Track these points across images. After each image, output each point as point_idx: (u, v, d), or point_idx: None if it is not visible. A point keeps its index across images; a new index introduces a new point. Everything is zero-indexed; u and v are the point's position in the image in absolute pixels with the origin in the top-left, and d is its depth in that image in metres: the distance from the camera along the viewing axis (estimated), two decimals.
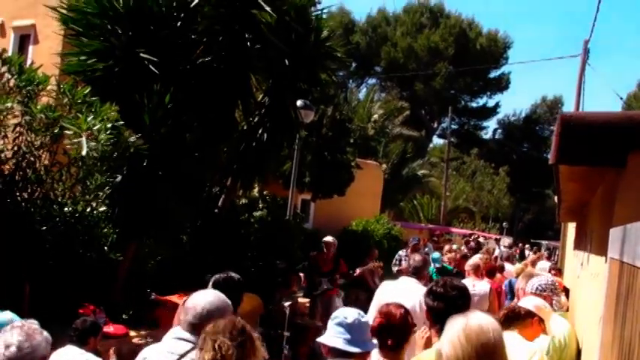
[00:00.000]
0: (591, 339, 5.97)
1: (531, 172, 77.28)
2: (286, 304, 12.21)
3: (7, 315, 6.11)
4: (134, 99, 11.90)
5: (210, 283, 6.25)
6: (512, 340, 6.16)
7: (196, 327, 4.64)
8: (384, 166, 40.38)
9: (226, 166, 17.59)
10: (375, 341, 5.08)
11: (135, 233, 12.57)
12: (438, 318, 4.59)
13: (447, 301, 4.63)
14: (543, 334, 7.24)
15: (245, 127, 17.45)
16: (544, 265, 16.85)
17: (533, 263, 18.02)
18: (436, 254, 18.15)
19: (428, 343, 5.13)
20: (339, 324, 4.79)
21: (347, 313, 4.87)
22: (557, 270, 15.97)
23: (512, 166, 77.15)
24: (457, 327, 3.52)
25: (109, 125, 10.14)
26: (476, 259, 13.42)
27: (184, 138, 12.52)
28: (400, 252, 20.52)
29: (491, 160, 77.07)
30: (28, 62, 14.76)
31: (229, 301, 5.14)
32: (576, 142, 4.35)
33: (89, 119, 9.83)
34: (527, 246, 40.66)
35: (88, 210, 11.27)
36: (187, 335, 4.67)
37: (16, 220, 10.04)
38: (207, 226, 17.09)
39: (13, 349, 4.37)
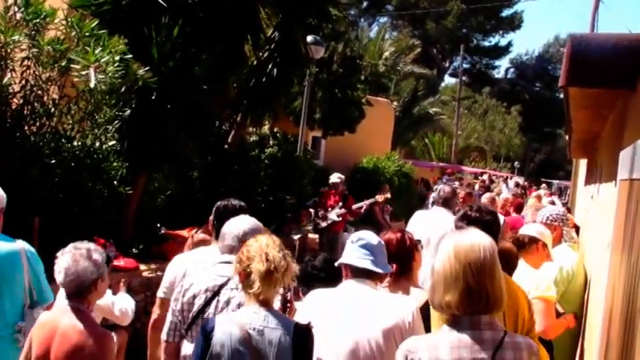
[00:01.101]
0: (600, 266, 5.96)
1: (543, 112, 77.03)
2: (296, 237, 12.25)
3: (18, 244, 6.13)
4: (142, 32, 11.79)
5: (213, 210, 6.29)
6: (519, 268, 6.17)
7: (236, 250, 4.79)
8: (395, 103, 40.18)
9: (236, 102, 17.52)
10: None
11: (144, 167, 12.57)
12: None
13: (481, 225, 4.59)
14: (547, 260, 7.27)
15: (255, 63, 17.33)
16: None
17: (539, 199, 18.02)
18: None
19: None
20: (364, 246, 4.93)
21: (370, 236, 5.02)
22: (567, 208, 15.98)
23: (524, 106, 76.87)
24: (449, 244, 3.53)
25: (117, 58, 10.06)
26: (489, 195, 13.48)
27: (193, 71, 12.41)
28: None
29: (503, 99, 76.76)
30: None
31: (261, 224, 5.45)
32: (586, 63, 4.28)
33: (97, 52, 9.75)
34: (543, 186, 40.36)
35: (97, 144, 11.22)
36: (232, 257, 4.76)
37: (25, 154, 10.03)
38: (217, 161, 17.08)
39: (61, 275, 4.69)
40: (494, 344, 3.39)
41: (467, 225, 4.77)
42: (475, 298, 3.40)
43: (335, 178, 17.13)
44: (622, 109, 5.20)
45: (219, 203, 6.34)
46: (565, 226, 8.26)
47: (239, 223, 5.37)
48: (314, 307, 4.87)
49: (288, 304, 5.01)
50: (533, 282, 6.26)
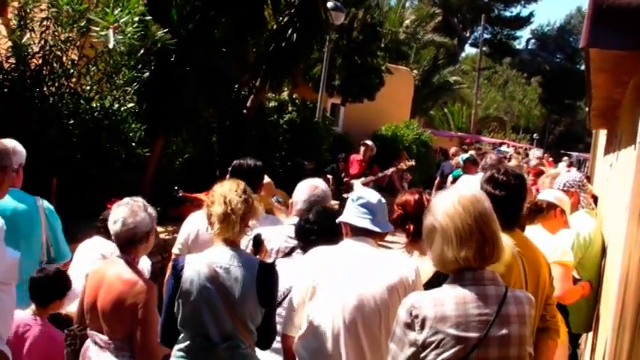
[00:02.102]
0: (617, 232, 5.93)
1: (563, 84, 76.59)
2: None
3: (37, 201, 6.17)
4: None
5: (230, 169, 6.36)
6: (536, 234, 6.16)
7: (305, 212, 5.34)
8: (415, 72, 40.04)
9: (255, 67, 17.46)
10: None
11: (162, 130, 12.58)
12: (497, 207, 4.56)
13: (509, 189, 4.59)
14: (564, 227, 7.25)
15: (274, 27, 17.26)
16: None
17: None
18: (465, 155, 18.06)
19: None
20: (363, 205, 4.97)
21: (370, 195, 5.07)
22: (586, 177, 15.89)
23: (544, 77, 76.42)
24: (451, 198, 3.55)
25: (136, 19, 10.02)
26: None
27: (212, 34, 12.39)
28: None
29: (523, 70, 76.35)
30: None
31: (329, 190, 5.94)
32: (608, 24, 4.22)
33: (116, 12, 9.72)
34: (565, 159, 40.02)
35: (116, 106, 11.24)
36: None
37: (43, 114, 10.05)
38: (236, 126, 17.09)
39: (118, 224, 4.91)
40: (499, 299, 3.43)
41: (493, 188, 4.74)
42: (489, 248, 3.47)
43: (369, 141, 17.10)
44: None
45: (235, 162, 6.43)
46: (582, 193, 8.24)
47: (308, 187, 5.94)
48: (314, 264, 4.89)
49: (260, 245, 5.12)
50: (550, 247, 6.23)
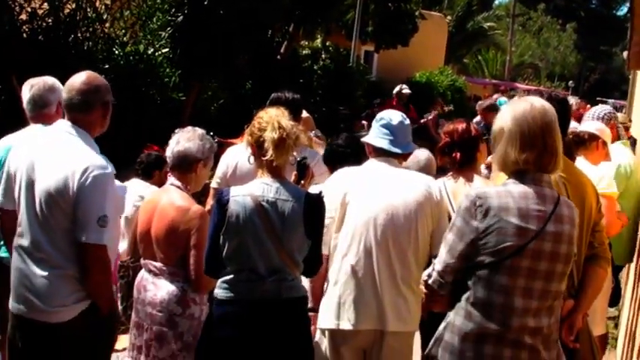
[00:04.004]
0: None
1: (599, 30, 75.57)
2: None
3: None
4: None
5: (267, 102, 6.28)
6: (579, 165, 6.04)
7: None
8: (449, 18, 39.72)
9: (289, 12, 17.34)
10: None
11: (197, 75, 12.53)
12: None
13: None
14: (606, 159, 7.13)
15: None
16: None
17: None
18: (503, 99, 17.89)
19: None
20: (385, 126, 5.01)
21: (392, 115, 5.10)
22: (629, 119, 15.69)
23: (579, 24, 75.38)
24: (524, 106, 3.67)
25: None
26: None
27: None
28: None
29: (558, 16, 75.31)
30: None
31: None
32: None
33: None
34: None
35: (151, 51, 11.19)
36: None
37: (78, 59, 10.01)
38: (269, 71, 17.01)
39: (172, 144, 4.93)
40: (554, 200, 3.64)
41: None
42: (548, 156, 3.63)
43: (403, 87, 16.97)
44: None
45: (274, 94, 6.34)
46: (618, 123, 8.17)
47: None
48: (342, 183, 4.96)
49: (306, 169, 5.00)
50: (594, 178, 6.09)
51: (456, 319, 3.67)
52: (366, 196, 4.80)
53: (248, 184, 4.43)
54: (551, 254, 3.59)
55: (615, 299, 8.49)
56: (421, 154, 6.22)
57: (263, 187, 4.31)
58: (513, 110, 3.70)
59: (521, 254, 3.54)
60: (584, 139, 7.00)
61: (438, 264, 3.73)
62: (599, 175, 6.42)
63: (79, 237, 4.14)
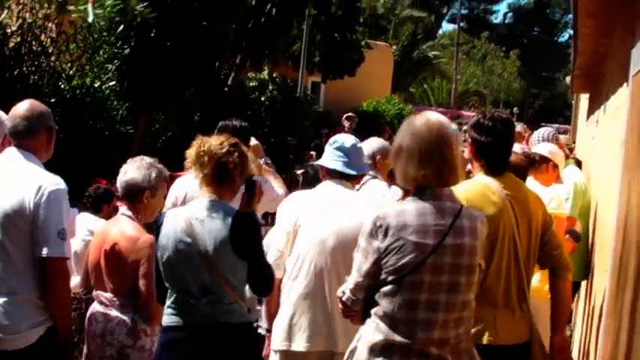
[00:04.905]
0: (611, 177, 5.92)
1: (542, 57, 76.77)
2: (299, 172, 12.26)
3: None
4: None
5: (215, 130, 6.31)
6: (528, 185, 6.11)
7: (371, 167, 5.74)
8: (395, 47, 40.02)
9: (235, 44, 17.40)
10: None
11: (145, 107, 12.50)
12: (484, 152, 4.66)
13: (495, 134, 4.58)
14: (557, 182, 7.25)
15: (253, 3, 17.20)
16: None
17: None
18: (453, 126, 18.09)
19: None
20: (338, 148, 5.14)
21: (345, 138, 5.26)
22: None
23: (522, 50, 76.40)
24: (420, 122, 3.82)
25: None
26: None
27: (192, 7, 12.32)
28: None
29: (501, 44, 76.27)
30: None
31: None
32: None
33: None
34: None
35: (98, 84, 11.14)
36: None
37: (24, 93, 9.93)
38: (217, 103, 17.02)
39: (121, 174, 5.07)
40: (454, 213, 3.76)
41: (479, 135, 4.70)
42: (447, 170, 3.77)
43: (350, 113, 17.22)
44: (632, 16, 5.11)
45: (221, 123, 6.43)
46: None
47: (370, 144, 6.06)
48: (293, 207, 5.08)
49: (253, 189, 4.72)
50: (545, 198, 6.20)
51: (367, 331, 3.80)
52: (317, 219, 4.88)
53: (185, 206, 4.52)
54: (451, 267, 3.72)
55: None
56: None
57: (196, 206, 4.34)
58: (410, 127, 3.83)
59: (420, 269, 3.67)
60: (535, 161, 7.10)
61: (349, 282, 3.86)
62: (550, 195, 6.54)
63: (40, 252, 4.19)
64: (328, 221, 4.86)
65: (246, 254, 4.26)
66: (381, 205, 4.82)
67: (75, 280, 5.98)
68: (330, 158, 5.13)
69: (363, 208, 4.85)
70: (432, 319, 3.70)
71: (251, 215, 4.40)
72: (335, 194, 5.04)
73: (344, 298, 3.89)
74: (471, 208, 3.96)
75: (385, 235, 3.69)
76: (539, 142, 8.13)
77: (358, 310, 3.88)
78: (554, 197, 6.56)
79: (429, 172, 3.72)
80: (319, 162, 5.28)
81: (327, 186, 5.14)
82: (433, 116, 3.88)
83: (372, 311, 3.79)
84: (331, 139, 5.31)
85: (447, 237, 3.70)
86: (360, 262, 3.79)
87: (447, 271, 3.70)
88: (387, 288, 3.72)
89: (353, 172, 5.10)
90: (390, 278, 3.70)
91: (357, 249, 3.84)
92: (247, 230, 4.28)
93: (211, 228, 4.20)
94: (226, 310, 4.26)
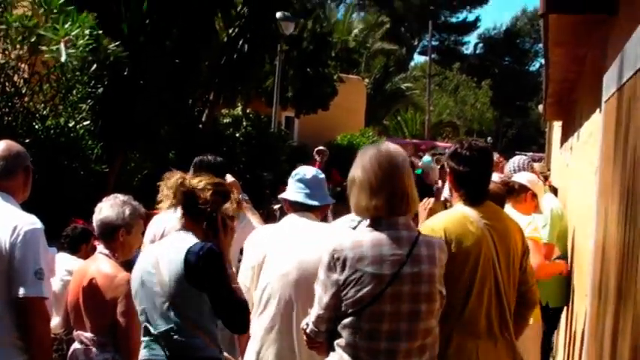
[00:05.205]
0: (587, 202, 5.97)
1: (513, 86, 77.39)
2: (276, 206, 12.27)
3: None
4: (111, 9, 11.74)
5: (192, 165, 6.34)
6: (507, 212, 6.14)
7: None
8: (367, 80, 40.25)
9: (208, 80, 17.46)
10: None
11: (120, 146, 12.48)
12: (462, 182, 4.69)
13: (473, 164, 4.60)
14: (536, 211, 7.25)
15: (225, 40, 17.28)
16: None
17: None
18: (427, 157, 18.19)
19: (431, 214, 5.19)
20: (299, 180, 5.23)
21: (306, 170, 5.34)
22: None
23: (494, 80, 76.93)
24: (369, 154, 3.90)
25: (87, 32, 9.94)
26: None
27: (164, 46, 12.36)
28: None
29: (473, 74, 76.78)
30: None
31: None
32: None
33: (67, 26, 9.63)
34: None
35: (72, 124, 11.10)
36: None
37: None
38: (192, 140, 17.03)
39: (96, 213, 5.08)
40: (411, 241, 3.82)
41: (457, 164, 4.71)
42: (399, 200, 3.84)
43: (321, 147, 17.27)
44: (602, 42, 5.17)
45: (196, 158, 6.45)
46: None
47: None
48: (257, 243, 5.14)
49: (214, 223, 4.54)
50: (523, 224, 6.24)
51: None
52: (280, 253, 4.92)
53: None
54: (411, 295, 3.78)
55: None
56: None
57: (166, 240, 4.37)
58: (361, 159, 3.93)
59: (380, 300, 3.72)
60: (514, 189, 7.11)
61: (311, 315, 3.93)
62: (528, 220, 6.59)
63: (17, 292, 4.14)
64: (291, 254, 4.89)
65: (203, 286, 4.14)
66: (338, 235, 4.83)
67: (55, 321, 5.96)
68: (293, 190, 5.22)
69: (325, 238, 4.76)
70: (395, 349, 3.77)
71: (208, 251, 4.19)
72: (298, 226, 5.10)
73: (307, 330, 3.95)
74: (428, 236, 4.03)
75: (343, 267, 3.75)
76: (515, 170, 8.20)
77: (322, 341, 3.96)
78: (531, 222, 6.61)
79: (379, 202, 3.80)
80: (282, 195, 5.35)
81: (290, 219, 5.20)
82: (383, 147, 3.97)
83: (335, 342, 3.86)
84: (293, 172, 5.38)
85: (405, 266, 3.75)
86: (320, 295, 3.87)
87: (406, 300, 3.76)
88: (348, 320, 3.78)
89: (314, 203, 5.17)
90: (350, 310, 3.76)
91: (317, 281, 3.90)
92: (203, 261, 4.12)
93: (170, 259, 4.14)
94: (187, 345, 4.15)
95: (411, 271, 3.76)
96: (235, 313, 4.31)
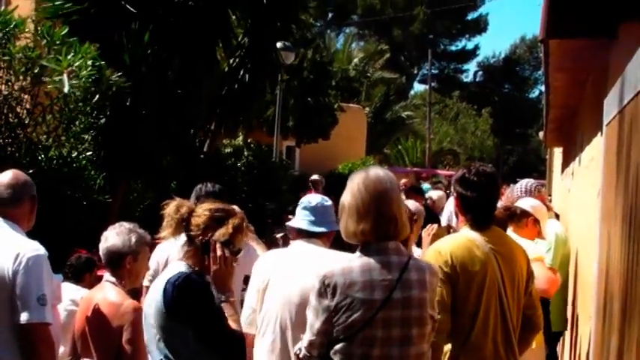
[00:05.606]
0: (589, 226, 5.97)
1: (513, 113, 77.39)
2: (278, 235, 12.24)
3: None
4: (113, 39, 11.81)
5: (192, 193, 6.39)
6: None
7: None
8: (367, 109, 40.32)
9: (209, 111, 17.50)
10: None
11: (122, 176, 12.51)
12: (470, 207, 4.74)
13: (480, 189, 4.64)
14: (539, 237, 7.23)
15: (226, 69, 17.36)
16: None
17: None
18: (426, 185, 18.23)
19: (434, 240, 5.26)
20: (304, 208, 5.30)
21: (311, 198, 5.43)
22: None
23: (494, 108, 77.03)
24: (357, 179, 3.92)
25: (90, 62, 10.03)
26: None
27: (166, 75, 12.43)
28: None
29: (473, 102, 76.87)
30: (2, 6, 14.39)
31: None
32: (566, 12, 4.28)
33: (69, 57, 9.70)
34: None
35: (75, 154, 11.14)
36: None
37: (1, 165, 9.91)
38: (194, 170, 17.05)
39: (102, 241, 5.04)
40: (401, 266, 3.83)
41: (465, 189, 4.74)
42: (387, 225, 3.85)
43: (316, 176, 17.26)
44: (603, 66, 5.20)
45: (197, 187, 6.49)
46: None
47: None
48: (264, 267, 5.23)
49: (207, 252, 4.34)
50: (526, 248, 6.25)
51: None
52: (284, 276, 4.98)
53: None
54: (402, 320, 3.79)
55: None
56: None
57: (164, 273, 4.31)
58: (350, 184, 3.96)
59: (371, 325, 3.74)
60: (515, 214, 7.10)
61: (304, 340, 3.94)
62: (528, 245, 6.56)
63: (20, 319, 4.17)
64: (294, 278, 4.93)
65: (182, 318, 4.01)
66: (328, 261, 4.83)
67: (62, 349, 5.97)
68: (298, 218, 5.28)
69: (328, 263, 4.85)
70: None
71: (182, 275, 4.06)
72: (302, 252, 5.15)
73: (300, 355, 3.96)
74: (419, 260, 4.09)
75: (334, 293, 3.76)
76: (521, 193, 8.16)
77: None
78: (534, 248, 6.60)
79: (367, 227, 3.81)
80: (288, 223, 5.45)
81: (297, 245, 5.27)
82: (372, 171, 3.96)
83: None
84: (300, 201, 5.45)
85: (395, 291, 3.77)
86: (312, 321, 3.87)
87: (397, 325, 3.78)
88: (340, 345, 3.79)
89: (319, 230, 5.20)
90: (342, 335, 3.78)
91: (309, 307, 3.91)
92: (177, 291, 4.00)
93: (155, 289, 4.12)
94: None
95: (401, 296, 3.78)
96: (227, 346, 4.16)
